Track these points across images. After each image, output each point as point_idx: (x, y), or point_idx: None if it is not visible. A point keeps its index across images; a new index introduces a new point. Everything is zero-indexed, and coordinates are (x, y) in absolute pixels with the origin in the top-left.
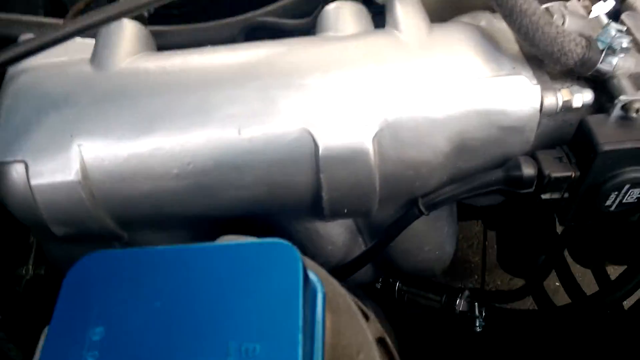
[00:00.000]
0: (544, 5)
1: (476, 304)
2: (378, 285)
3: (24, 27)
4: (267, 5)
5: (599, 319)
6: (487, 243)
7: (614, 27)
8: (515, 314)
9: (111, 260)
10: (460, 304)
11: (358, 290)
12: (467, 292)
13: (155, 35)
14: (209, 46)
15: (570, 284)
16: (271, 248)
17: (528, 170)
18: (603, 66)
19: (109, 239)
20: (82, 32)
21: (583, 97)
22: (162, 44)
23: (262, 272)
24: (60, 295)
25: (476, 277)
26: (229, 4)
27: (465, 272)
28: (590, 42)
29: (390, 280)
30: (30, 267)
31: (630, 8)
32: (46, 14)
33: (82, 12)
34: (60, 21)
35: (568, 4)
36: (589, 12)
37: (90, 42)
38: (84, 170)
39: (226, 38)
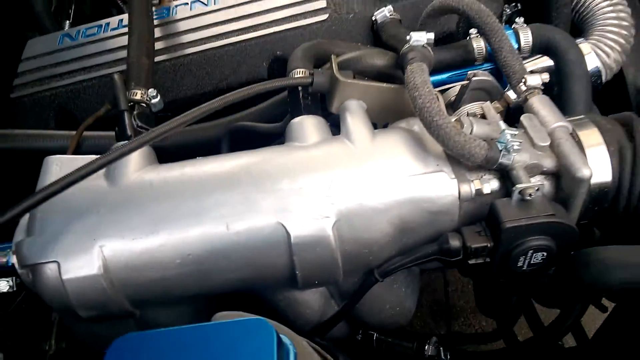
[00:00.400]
0: (456, 116)
1: (441, 348)
2: (359, 337)
3: (38, 139)
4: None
5: (563, 352)
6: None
7: (508, 132)
8: (477, 355)
9: (135, 341)
10: (429, 349)
11: (332, 345)
12: (434, 338)
13: None
14: (199, 158)
15: (533, 319)
16: (251, 323)
17: (455, 243)
18: (503, 161)
19: (124, 317)
20: (97, 170)
21: (491, 185)
22: (162, 144)
23: (247, 341)
24: None
25: (462, 319)
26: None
27: (451, 315)
28: (491, 144)
29: (369, 331)
30: (53, 342)
31: (530, 109)
32: (57, 125)
33: (91, 126)
34: (71, 133)
35: (483, 105)
36: (501, 110)
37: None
38: (105, 265)
39: (214, 136)
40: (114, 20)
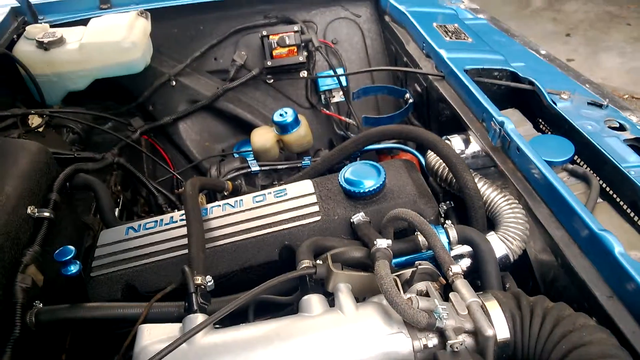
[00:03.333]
0: (408, 294)
1: None
2: None
3: (117, 309)
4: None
5: None
6: None
7: (440, 306)
8: None
9: None
10: None
11: None
12: None
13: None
14: (243, 324)
15: None
16: None
17: None
18: (439, 325)
19: None
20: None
21: (433, 341)
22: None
23: None
24: None
25: None
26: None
27: None
28: (430, 314)
29: None
30: None
31: (455, 288)
32: (122, 297)
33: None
34: (140, 304)
35: (427, 284)
36: (437, 288)
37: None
38: None
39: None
40: (166, 217)
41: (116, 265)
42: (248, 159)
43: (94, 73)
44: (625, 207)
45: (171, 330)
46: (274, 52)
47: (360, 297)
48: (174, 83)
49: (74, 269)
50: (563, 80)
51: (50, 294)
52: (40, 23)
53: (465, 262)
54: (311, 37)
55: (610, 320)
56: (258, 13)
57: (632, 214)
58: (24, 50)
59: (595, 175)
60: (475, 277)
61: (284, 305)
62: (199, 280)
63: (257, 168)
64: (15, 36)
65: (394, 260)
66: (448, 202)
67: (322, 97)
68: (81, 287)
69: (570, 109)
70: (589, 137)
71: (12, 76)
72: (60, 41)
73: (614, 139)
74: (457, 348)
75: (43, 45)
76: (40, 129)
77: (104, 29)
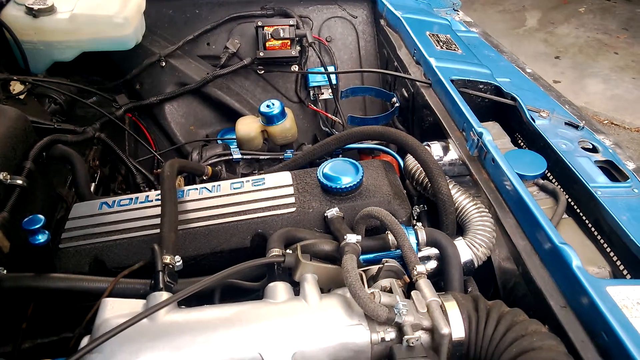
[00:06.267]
0: (372, 289)
1: None
2: None
3: (81, 282)
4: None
5: None
6: None
7: (401, 302)
8: None
9: None
10: None
11: None
12: None
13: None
14: (207, 305)
15: None
16: None
17: None
18: (398, 320)
19: None
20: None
21: (390, 335)
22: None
23: None
24: None
25: None
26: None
27: None
28: (390, 309)
29: None
30: None
31: (418, 287)
32: (89, 271)
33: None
34: (107, 279)
35: (390, 281)
36: (402, 286)
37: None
38: None
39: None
40: (142, 196)
41: (86, 239)
42: (231, 146)
43: (83, 45)
44: (589, 224)
45: (135, 305)
46: (268, 44)
47: (326, 288)
48: (164, 64)
49: (41, 238)
50: (544, 99)
51: (16, 262)
52: None
53: (432, 264)
54: (306, 32)
55: (562, 328)
56: (255, 3)
57: (594, 232)
58: (11, 14)
59: (564, 192)
60: (440, 279)
61: (250, 291)
62: (167, 259)
63: (239, 156)
64: (4, 0)
65: (362, 257)
66: (422, 205)
67: (311, 92)
68: (48, 257)
69: (547, 127)
70: (562, 156)
71: None
72: (50, 9)
73: (585, 159)
74: (412, 343)
75: (32, 12)
76: (22, 97)
77: (97, 2)
